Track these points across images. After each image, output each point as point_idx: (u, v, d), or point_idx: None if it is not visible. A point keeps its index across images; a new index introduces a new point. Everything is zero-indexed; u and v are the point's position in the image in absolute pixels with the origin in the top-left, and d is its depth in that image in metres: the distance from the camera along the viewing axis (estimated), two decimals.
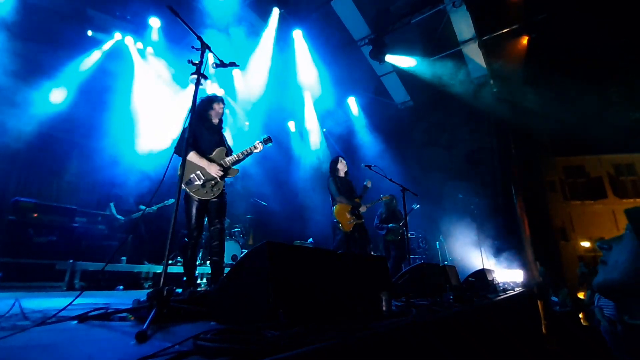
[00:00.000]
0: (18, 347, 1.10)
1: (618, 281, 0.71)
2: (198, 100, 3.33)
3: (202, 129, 3.34)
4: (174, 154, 2.97)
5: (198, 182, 3.11)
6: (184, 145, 2.86)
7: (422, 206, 6.69)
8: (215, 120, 3.41)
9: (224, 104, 3.47)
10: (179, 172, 2.87)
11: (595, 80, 8.43)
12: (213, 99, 3.42)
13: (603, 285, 0.75)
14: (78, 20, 6.55)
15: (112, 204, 5.57)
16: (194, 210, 3.10)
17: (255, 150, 3.39)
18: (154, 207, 5.64)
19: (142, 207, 5.63)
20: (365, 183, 4.94)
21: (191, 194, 3.09)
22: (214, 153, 3.29)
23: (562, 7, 7.37)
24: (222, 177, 3.22)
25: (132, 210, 5.59)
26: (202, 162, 3.14)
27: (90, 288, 4.13)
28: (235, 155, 3.32)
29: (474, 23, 7.72)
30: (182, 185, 2.96)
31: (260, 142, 3.42)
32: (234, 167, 3.35)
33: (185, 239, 3.24)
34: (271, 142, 3.49)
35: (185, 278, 3.10)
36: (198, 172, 3.13)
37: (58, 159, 6.38)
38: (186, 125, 3.18)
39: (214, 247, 3.20)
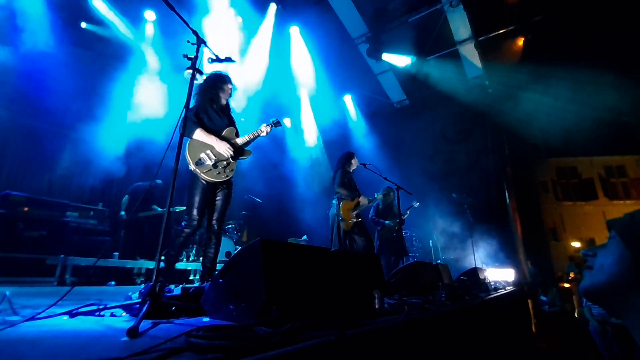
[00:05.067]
0: (7, 342, 1.08)
1: (604, 283, 0.75)
2: (207, 78, 3.14)
3: (210, 110, 3.05)
4: (181, 137, 2.68)
5: (209, 162, 2.80)
6: (187, 124, 2.69)
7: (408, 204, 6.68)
8: (224, 101, 3.19)
9: (232, 84, 3.24)
10: (186, 155, 2.79)
11: (588, 82, 8.53)
12: (223, 78, 3.16)
13: (589, 289, 0.78)
14: (71, 12, 6.44)
15: (127, 197, 5.53)
16: (200, 194, 2.79)
17: (261, 134, 3.18)
18: (146, 213, 5.57)
19: (155, 207, 5.58)
20: (377, 194, 5.38)
21: (202, 175, 2.78)
22: (224, 132, 3.05)
23: (558, 9, 7.43)
24: (234, 157, 2.97)
25: (138, 209, 5.53)
26: (210, 139, 2.83)
27: (81, 283, 4.09)
28: (246, 137, 3.12)
29: (470, 23, 7.75)
30: (192, 166, 2.80)
31: (268, 124, 3.23)
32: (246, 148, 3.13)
33: (182, 225, 2.83)
34: (280, 125, 3.32)
35: (163, 264, 2.70)
36: (208, 151, 2.84)
37: (50, 152, 6.30)
38: (191, 105, 2.99)
39: (211, 243, 2.96)
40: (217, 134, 2.96)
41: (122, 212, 5.44)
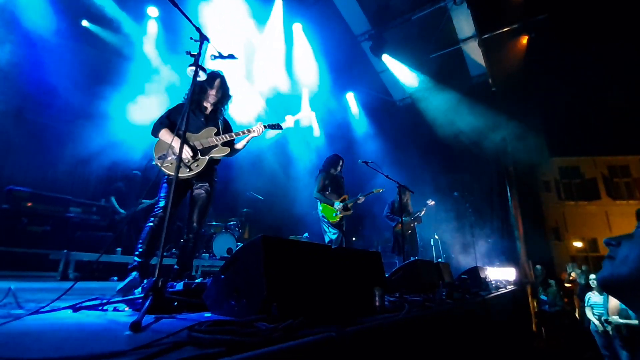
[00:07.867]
0: (11, 335, 1.10)
1: (627, 276, 0.71)
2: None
3: (189, 111, 3.08)
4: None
5: (172, 157, 2.82)
6: (155, 126, 2.98)
7: (416, 202, 6.67)
8: (207, 104, 3.16)
9: (221, 84, 3.14)
10: (153, 152, 2.89)
11: (592, 81, 8.48)
12: (209, 81, 3.09)
13: (609, 279, 0.74)
14: (74, 8, 6.44)
15: (113, 198, 5.57)
16: (167, 187, 2.81)
17: (252, 134, 3.11)
18: (139, 207, 5.57)
19: (144, 200, 5.61)
20: (375, 190, 5.20)
21: (163, 169, 2.79)
22: (200, 133, 3.03)
23: (562, 8, 7.39)
24: (203, 153, 2.94)
25: (133, 205, 5.58)
26: (172, 139, 2.76)
27: (84, 278, 4.11)
28: (227, 135, 3.05)
29: (474, 21, 7.71)
30: (155, 161, 2.85)
31: (265, 124, 3.19)
32: (224, 146, 3.04)
33: (149, 222, 2.77)
34: (279, 129, 3.29)
35: (139, 259, 2.66)
36: (175, 149, 2.80)
37: (53, 148, 6.32)
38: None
39: (186, 241, 2.93)
40: (187, 134, 2.89)
41: (122, 211, 5.49)
